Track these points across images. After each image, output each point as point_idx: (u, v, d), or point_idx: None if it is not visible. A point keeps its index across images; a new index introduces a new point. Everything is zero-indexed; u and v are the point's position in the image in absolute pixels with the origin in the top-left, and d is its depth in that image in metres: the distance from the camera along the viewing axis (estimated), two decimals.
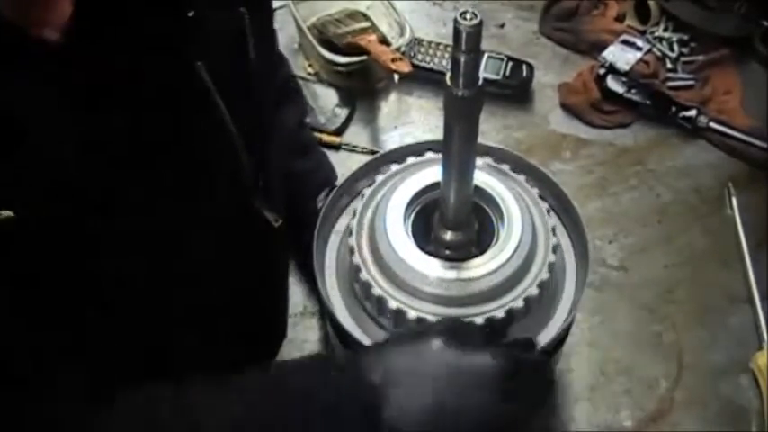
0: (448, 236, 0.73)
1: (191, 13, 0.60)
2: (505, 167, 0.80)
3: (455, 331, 0.65)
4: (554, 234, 0.74)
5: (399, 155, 0.84)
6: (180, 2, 0.60)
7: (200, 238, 0.68)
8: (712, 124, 1.29)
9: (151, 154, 0.61)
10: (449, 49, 0.56)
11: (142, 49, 0.57)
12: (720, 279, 1.13)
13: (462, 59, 0.57)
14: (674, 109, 1.30)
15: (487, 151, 0.82)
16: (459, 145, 0.64)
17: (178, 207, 0.64)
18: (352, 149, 1.29)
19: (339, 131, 1.31)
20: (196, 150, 0.65)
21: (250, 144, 0.70)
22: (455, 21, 0.56)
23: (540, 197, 0.78)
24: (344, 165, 1.22)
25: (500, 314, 0.68)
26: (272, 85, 0.86)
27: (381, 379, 0.59)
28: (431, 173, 0.76)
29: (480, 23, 0.55)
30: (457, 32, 0.56)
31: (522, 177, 0.80)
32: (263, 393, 0.61)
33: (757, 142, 1.25)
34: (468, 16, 0.55)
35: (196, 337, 0.73)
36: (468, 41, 0.56)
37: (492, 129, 1.30)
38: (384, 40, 1.34)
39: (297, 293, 1.12)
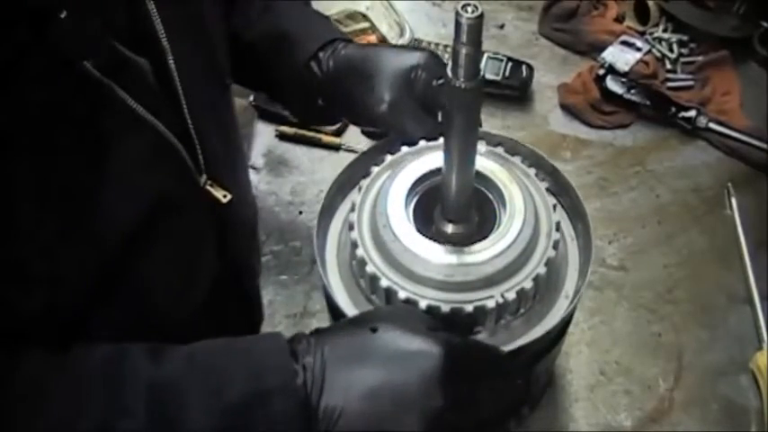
0: (449, 228, 0.73)
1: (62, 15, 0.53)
2: (516, 159, 0.81)
3: (396, 317, 0.64)
4: (557, 230, 0.74)
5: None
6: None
7: (149, 225, 0.65)
8: (712, 125, 1.29)
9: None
10: (449, 49, 0.56)
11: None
12: (720, 279, 1.13)
13: (463, 51, 0.58)
14: (673, 109, 1.31)
15: (500, 141, 0.83)
16: (459, 136, 0.64)
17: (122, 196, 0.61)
18: (352, 150, 1.29)
19: (339, 132, 1.31)
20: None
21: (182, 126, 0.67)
22: (456, 13, 0.56)
23: (539, 178, 0.79)
24: (344, 165, 1.22)
25: (495, 302, 0.68)
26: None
27: (319, 365, 0.59)
28: (433, 158, 0.76)
29: (481, 15, 0.56)
30: (458, 24, 0.57)
31: (516, 159, 0.81)
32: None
33: (756, 143, 1.25)
34: (469, 9, 0.56)
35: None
36: (469, 33, 0.57)
37: (492, 129, 1.28)
38: (384, 41, 1.34)
39: (297, 293, 1.12)
